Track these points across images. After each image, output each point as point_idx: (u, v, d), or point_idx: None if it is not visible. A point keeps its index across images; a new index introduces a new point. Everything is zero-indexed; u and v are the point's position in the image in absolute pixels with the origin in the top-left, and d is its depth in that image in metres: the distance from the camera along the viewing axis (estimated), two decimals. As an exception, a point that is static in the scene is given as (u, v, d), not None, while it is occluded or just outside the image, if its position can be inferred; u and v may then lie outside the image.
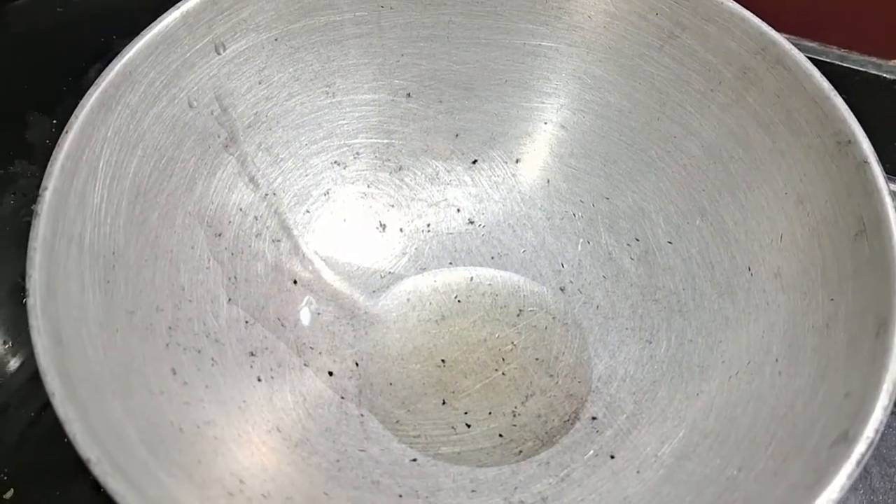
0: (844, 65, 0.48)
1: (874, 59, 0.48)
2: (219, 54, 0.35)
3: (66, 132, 0.30)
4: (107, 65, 0.32)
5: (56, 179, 0.29)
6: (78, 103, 0.31)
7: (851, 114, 0.31)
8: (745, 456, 0.28)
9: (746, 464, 0.28)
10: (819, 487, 0.24)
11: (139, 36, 0.32)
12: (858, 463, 0.24)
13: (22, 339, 0.41)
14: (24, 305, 0.27)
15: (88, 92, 0.31)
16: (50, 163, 0.29)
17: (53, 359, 0.25)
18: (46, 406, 0.25)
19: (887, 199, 0.29)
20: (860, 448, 0.24)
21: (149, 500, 0.24)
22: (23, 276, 0.27)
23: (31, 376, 0.38)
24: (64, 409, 0.24)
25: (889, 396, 0.25)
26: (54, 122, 0.48)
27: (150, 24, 0.33)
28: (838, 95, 0.32)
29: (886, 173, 0.50)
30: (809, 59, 0.47)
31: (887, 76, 0.48)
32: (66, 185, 0.29)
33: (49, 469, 0.37)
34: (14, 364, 0.40)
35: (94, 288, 0.29)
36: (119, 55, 0.32)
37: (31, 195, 0.29)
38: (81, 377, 0.26)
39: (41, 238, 0.28)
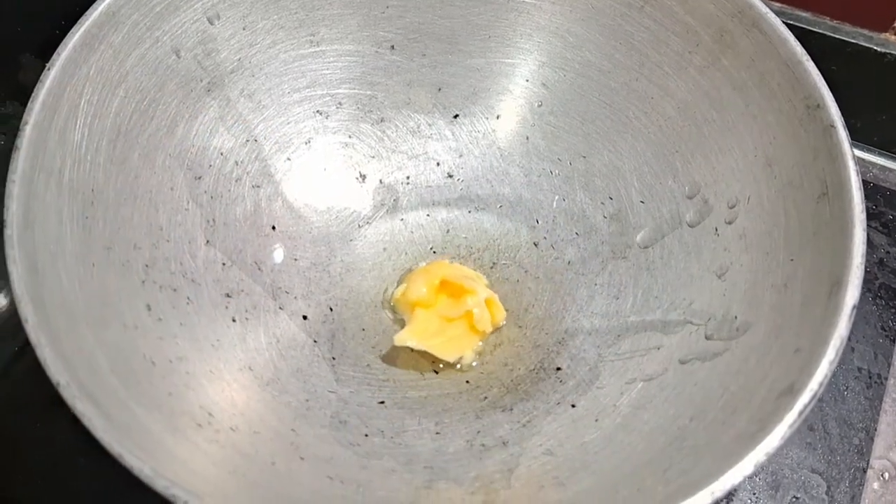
0: (836, 36, 0.48)
1: (865, 32, 0.48)
2: (212, 24, 0.36)
3: (48, 69, 0.31)
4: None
5: (37, 115, 0.30)
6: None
7: (822, 78, 0.32)
8: (698, 407, 0.29)
9: (698, 414, 0.29)
10: (762, 435, 0.25)
11: (124, -23, 0.33)
12: (801, 413, 0.25)
13: (7, 276, 0.41)
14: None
15: (71, 31, 0.32)
16: (31, 98, 0.30)
17: (28, 287, 0.26)
18: (29, 342, 0.25)
19: (851, 164, 0.30)
20: (804, 399, 0.25)
21: (115, 425, 0.25)
22: (6, 210, 0.28)
23: (15, 312, 0.39)
24: (36, 334, 0.25)
25: (836, 352, 0.26)
26: (47, 64, 0.48)
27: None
28: (810, 60, 0.32)
29: (875, 146, 0.51)
30: (802, 29, 0.47)
31: (878, 48, 0.48)
32: (47, 120, 0.30)
33: (30, 402, 0.38)
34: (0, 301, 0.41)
35: (72, 222, 0.30)
36: (103, -5, 0.32)
37: (23, 136, 0.29)
38: (55, 306, 0.27)
39: (20, 171, 0.28)
